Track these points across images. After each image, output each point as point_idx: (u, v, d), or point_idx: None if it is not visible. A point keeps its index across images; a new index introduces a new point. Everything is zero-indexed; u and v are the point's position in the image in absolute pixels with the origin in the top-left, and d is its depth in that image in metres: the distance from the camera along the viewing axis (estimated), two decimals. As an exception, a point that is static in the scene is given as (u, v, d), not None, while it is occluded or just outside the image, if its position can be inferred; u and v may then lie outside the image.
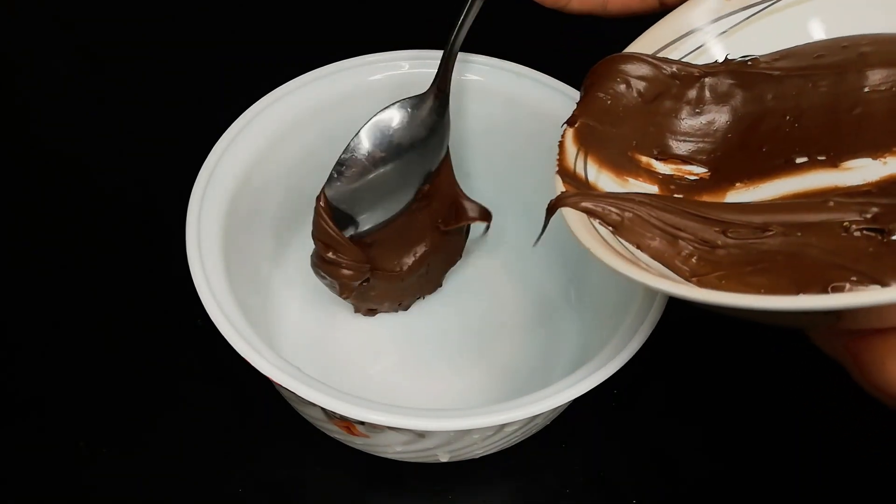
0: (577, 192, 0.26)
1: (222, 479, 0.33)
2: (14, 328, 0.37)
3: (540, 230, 0.26)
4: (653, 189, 0.29)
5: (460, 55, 0.35)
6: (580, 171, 0.27)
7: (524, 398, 0.26)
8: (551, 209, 0.26)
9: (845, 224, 0.25)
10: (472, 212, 0.36)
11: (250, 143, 0.33)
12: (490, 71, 0.35)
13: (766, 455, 0.34)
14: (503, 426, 0.28)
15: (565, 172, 0.27)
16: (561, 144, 0.28)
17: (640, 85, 0.29)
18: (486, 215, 0.36)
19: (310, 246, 0.36)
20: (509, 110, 0.35)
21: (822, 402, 0.34)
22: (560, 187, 0.26)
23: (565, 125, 0.28)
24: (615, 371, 0.27)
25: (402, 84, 0.35)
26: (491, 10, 0.35)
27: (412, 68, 0.35)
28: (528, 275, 0.37)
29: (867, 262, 0.23)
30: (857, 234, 0.24)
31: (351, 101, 0.35)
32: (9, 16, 0.49)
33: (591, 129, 0.28)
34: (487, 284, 0.37)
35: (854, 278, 0.23)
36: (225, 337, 0.27)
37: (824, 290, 0.23)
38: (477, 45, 0.35)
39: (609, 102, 0.28)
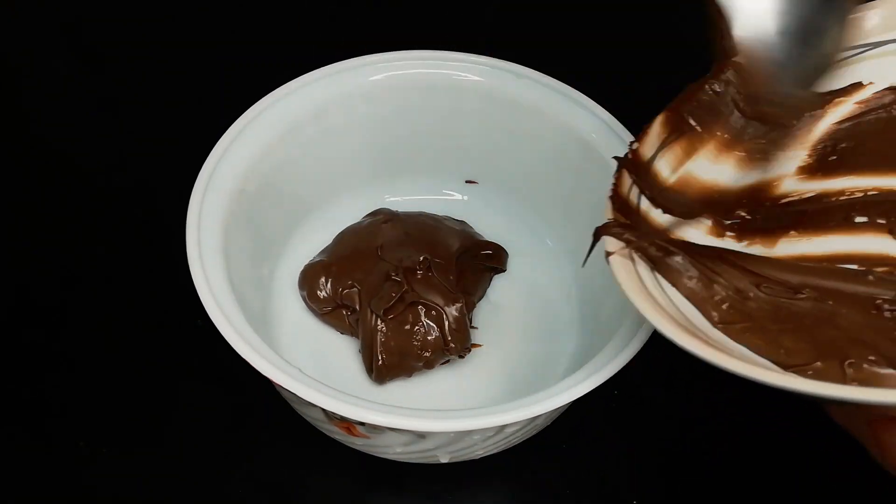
0: (624, 223, 0.26)
1: (222, 479, 0.33)
2: (14, 328, 0.37)
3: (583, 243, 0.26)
4: (705, 223, 0.28)
5: (459, 55, 0.35)
6: (633, 198, 0.27)
7: (524, 399, 0.26)
8: (597, 235, 0.25)
9: (878, 301, 0.24)
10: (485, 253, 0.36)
11: (251, 144, 0.33)
12: (490, 72, 0.35)
13: (765, 455, 0.34)
14: (503, 427, 0.28)
15: (618, 198, 0.26)
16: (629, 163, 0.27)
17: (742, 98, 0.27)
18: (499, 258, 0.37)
19: (309, 247, 0.36)
20: (511, 113, 0.35)
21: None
22: (609, 213, 0.26)
23: (633, 143, 0.27)
24: (615, 372, 0.27)
25: (403, 85, 0.35)
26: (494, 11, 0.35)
27: (413, 69, 0.35)
28: (530, 276, 0.37)
29: (889, 345, 0.23)
30: (887, 313, 0.24)
31: (351, 101, 0.35)
32: (9, 16, 0.49)
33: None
34: (488, 285, 0.37)
35: (872, 358, 0.22)
36: (225, 338, 0.27)
37: (840, 365, 0.22)
38: (477, 45, 0.35)
39: (712, 99, 0.27)
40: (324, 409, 0.26)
